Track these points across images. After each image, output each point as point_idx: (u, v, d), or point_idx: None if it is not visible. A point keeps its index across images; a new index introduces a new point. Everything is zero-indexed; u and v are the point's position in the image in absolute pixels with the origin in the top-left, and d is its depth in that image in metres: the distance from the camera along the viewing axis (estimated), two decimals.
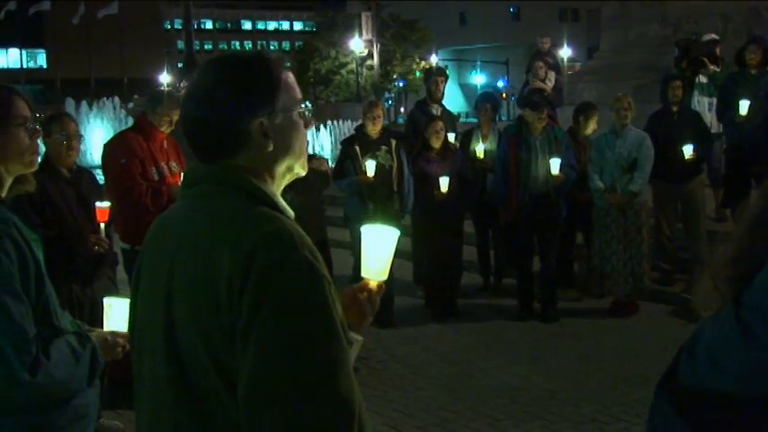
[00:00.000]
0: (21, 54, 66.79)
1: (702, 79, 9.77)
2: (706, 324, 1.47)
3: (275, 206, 1.80)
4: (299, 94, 1.89)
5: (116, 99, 29.67)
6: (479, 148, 8.63)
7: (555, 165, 7.55)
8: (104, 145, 6.21)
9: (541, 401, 5.90)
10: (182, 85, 13.20)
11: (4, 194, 2.50)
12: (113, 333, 2.74)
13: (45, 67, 75.11)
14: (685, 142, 8.12)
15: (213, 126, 1.79)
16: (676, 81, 8.65)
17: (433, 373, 6.60)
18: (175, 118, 5.86)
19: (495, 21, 66.96)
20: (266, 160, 1.82)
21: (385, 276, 2.06)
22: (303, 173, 1.93)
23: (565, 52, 49.33)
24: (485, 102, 9.14)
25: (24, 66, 65.98)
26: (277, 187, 1.87)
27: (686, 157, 8.10)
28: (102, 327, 2.81)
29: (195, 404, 1.71)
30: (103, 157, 6.02)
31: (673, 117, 8.48)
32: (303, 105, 1.90)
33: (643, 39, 13.76)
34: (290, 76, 1.88)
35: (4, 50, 75.43)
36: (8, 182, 2.52)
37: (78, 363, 2.48)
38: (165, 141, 5.95)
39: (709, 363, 1.41)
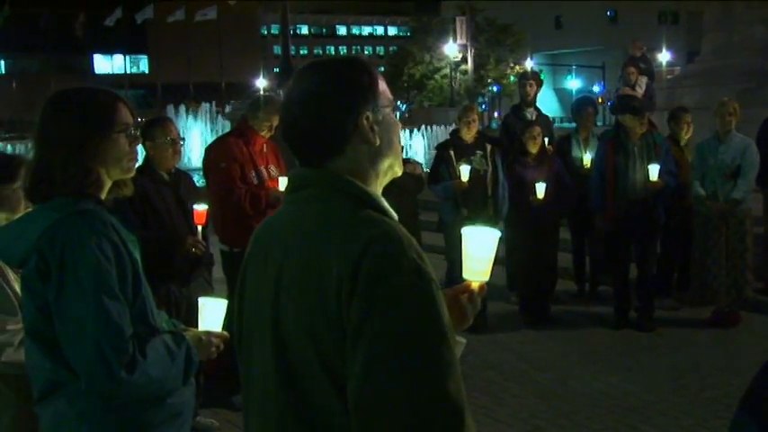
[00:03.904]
0: (125, 60, 68.98)
1: None
2: None
3: (381, 209, 1.81)
4: (389, 93, 1.93)
5: (213, 104, 30.36)
6: (586, 158, 8.44)
7: (654, 171, 7.38)
8: (205, 149, 6.35)
9: (638, 412, 5.77)
10: (279, 91, 13.39)
11: (103, 197, 2.57)
12: (207, 332, 2.79)
13: (147, 72, 77.41)
14: None
15: (322, 125, 1.82)
16: None
17: (525, 379, 6.54)
18: (275, 123, 5.94)
19: (591, 24, 65.85)
20: (372, 157, 1.85)
21: (487, 277, 2.06)
22: (400, 172, 1.95)
23: (663, 56, 48.22)
24: (586, 105, 9.00)
25: (128, 71, 68.10)
26: (379, 187, 1.89)
27: None
28: (197, 326, 2.86)
29: (302, 405, 1.73)
30: (204, 161, 6.15)
31: None
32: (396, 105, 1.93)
33: (747, 42, 13.33)
34: (381, 77, 1.92)
35: (109, 56, 78.07)
36: (107, 185, 2.58)
37: (174, 361, 2.53)
38: (264, 145, 6.04)
39: None
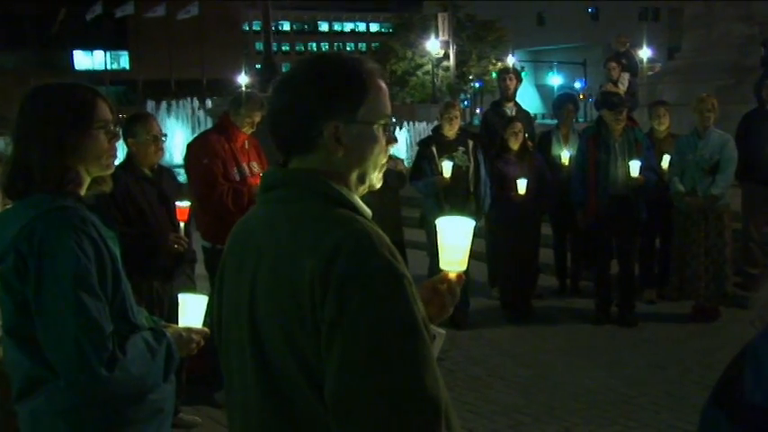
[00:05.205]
0: (105, 56, 68.53)
1: None
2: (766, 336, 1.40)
3: (353, 208, 1.81)
4: (387, 108, 1.89)
5: (194, 100, 30.22)
6: (564, 155, 8.49)
7: (635, 167, 7.42)
8: (187, 145, 6.32)
9: (619, 406, 5.81)
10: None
11: (83, 194, 2.56)
12: (188, 329, 2.79)
13: (128, 68, 76.93)
14: None
15: (291, 118, 1.81)
16: None
17: (507, 375, 6.56)
18: (257, 119, 5.93)
19: (573, 21, 66.11)
20: (338, 165, 1.82)
21: (464, 267, 2.06)
22: (377, 186, 1.92)
23: (644, 53, 48.42)
24: (566, 102, 9.02)
25: (108, 67, 67.66)
26: (353, 193, 1.86)
27: None
28: (178, 323, 2.86)
29: (281, 404, 1.73)
30: (186, 157, 6.12)
31: None
32: (391, 121, 1.91)
33: (727, 38, 13.41)
34: (383, 89, 1.88)
35: (89, 53, 77.54)
36: (86, 182, 2.57)
37: (154, 358, 2.53)
38: (246, 142, 6.02)
39: None
